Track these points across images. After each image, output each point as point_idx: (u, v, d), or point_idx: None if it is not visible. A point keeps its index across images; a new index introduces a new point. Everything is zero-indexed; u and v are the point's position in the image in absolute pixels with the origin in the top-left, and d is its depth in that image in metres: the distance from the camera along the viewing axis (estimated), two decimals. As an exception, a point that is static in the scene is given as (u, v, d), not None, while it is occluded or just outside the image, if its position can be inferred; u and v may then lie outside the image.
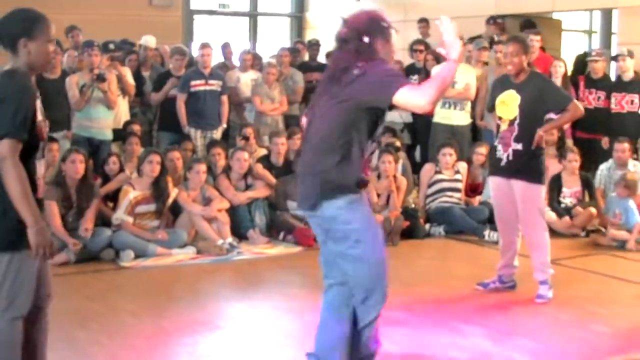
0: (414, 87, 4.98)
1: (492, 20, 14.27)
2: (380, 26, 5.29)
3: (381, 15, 5.42)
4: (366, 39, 5.16)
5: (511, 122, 7.70)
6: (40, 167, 4.61)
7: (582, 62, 13.87)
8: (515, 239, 7.98)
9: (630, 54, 11.90)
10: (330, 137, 5.02)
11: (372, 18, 5.34)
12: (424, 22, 15.05)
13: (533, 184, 7.73)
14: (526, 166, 7.69)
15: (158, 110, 12.72)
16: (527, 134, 7.64)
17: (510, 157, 7.71)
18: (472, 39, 13.35)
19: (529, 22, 14.35)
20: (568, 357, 6.40)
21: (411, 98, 4.86)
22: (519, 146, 7.65)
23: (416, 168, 12.37)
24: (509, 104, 7.74)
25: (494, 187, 8.04)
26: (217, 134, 12.11)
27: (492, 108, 8.15)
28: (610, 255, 9.94)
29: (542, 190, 7.95)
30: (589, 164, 11.67)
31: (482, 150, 11.73)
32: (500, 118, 7.85)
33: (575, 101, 8.07)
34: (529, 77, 7.78)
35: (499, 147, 7.82)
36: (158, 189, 9.60)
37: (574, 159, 11.14)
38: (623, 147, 11.13)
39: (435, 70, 11.96)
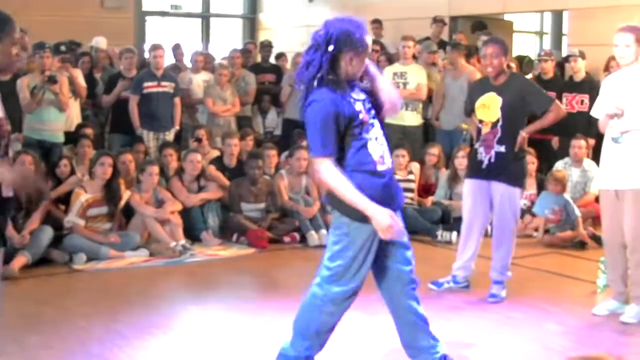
0: (329, 169, 4.97)
1: (436, 20, 14.31)
2: (353, 40, 5.09)
3: (362, 29, 5.18)
4: (331, 48, 5.03)
5: (493, 125, 7.67)
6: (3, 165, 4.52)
7: (522, 64, 14.02)
8: (478, 243, 8.02)
9: (582, 55, 12.01)
10: None
11: (348, 30, 5.13)
12: (377, 23, 15.09)
13: (514, 187, 7.75)
14: (508, 169, 7.68)
15: (110, 112, 12.66)
16: (509, 136, 7.64)
17: (493, 160, 7.68)
18: (420, 41, 13.41)
19: (480, 24, 14.45)
20: (521, 356, 6.44)
21: (321, 171, 4.99)
22: (502, 148, 7.64)
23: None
24: (490, 107, 7.71)
25: (472, 189, 7.94)
26: (170, 135, 12.07)
27: (470, 112, 8.07)
28: (562, 254, 10.02)
29: (520, 193, 7.98)
30: (541, 164, 11.76)
31: (434, 150, 11.80)
32: (481, 121, 7.80)
33: (557, 102, 8.13)
34: (510, 78, 7.78)
35: (481, 150, 7.77)
36: (110, 192, 9.55)
37: (531, 161, 11.22)
38: (580, 143, 11.23)
39: (388, 74, 12.04)
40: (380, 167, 5.15)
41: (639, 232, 7.13)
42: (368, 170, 5.09)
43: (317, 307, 5.39)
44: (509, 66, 8.09)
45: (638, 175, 7.05)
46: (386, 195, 5.13)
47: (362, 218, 5.01)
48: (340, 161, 5.05)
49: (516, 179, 7.76)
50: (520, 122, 7.76)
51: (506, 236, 7.87)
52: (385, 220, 4.95)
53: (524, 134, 7.72)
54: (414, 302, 5.56)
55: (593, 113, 7.60)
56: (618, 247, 7.33)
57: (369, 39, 5.18)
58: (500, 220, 7.83)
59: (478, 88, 8.03)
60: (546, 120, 8.00)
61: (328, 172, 4.98)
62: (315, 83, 5.07)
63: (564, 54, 13.49)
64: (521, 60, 14.20)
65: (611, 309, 7.40)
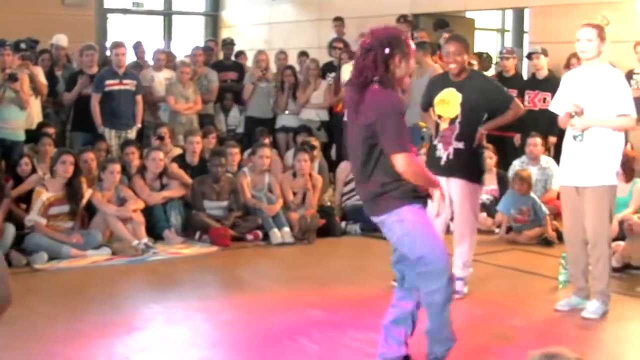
0: (408, 157, 5.30)
1: (403, 19, 14.35)
2: (401, 42, 5.43)
3: (406, 34, 5.64)
4: (387, 50, 5.33)
5: (452, 121, 7.67)
6: None
7: (485, 60, 14.10)
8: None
9: (544, 52, 12.07)
10: None
11: (396, 34, 5.49)
12: (339, 21, 15.11)
13: (473, 183, 7.76)
14: (467, 165, 7.69)
15: (71, 110, 12.58)
16: (468, 133, 7.65)
17: (451, 156, 7.67)
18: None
19: (442, 21, 14.50)
20: (484, 352, 6.47)
21: (399, 165, 5.28)
22: (461, 145, 7.64)
23: (332, 166, 12.41)
24: (449, 102, 7.71)
25: None
26: (132, 133, 12.01)
27: (427, 107, 8.08)
28: (525, 250, 10.08)
29: (480, 190, 8.02)
30: (502, 160, 11.82)
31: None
32: (440, 117, 7.80)
33: (517, 100, 8.15)
34: (470, 75, 7.80)
35: (439, 146, 7.76)
36: (72, 190, 9.50)
37: (488, 156, 11.27)
38: (535, 141, 11.32)
39: (346, 71, 12.05)
40: None
41: (599, 228, 7.18)
42: None
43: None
44: (470, 63, 8.09)
45: (598, 172, 7.11)
46: None
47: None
48: None
49: (475, 176, 7.78)
50: (479, 119, 7.79)
51: (467, 233, 7.89)
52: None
53: (482, 131, 7.76)
54: None
55: (552, 108, 7.65)
56: (579, 243, 7.39)
57: (412, 43, 5.56)
58: (460, 216, 7.84)
59: (438, 83, 8.01)
60: (505, 118, 8.04)
61: (413, 163, 5.33)
62: (376, 84, 5.36)
63: (526, 51, 13.54)
64: (479, 56, 14.27)
65: (573, 304, 7.45)
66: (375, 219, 5.62)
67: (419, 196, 5.48)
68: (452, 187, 7.73)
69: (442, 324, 5.75)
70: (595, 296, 7.29)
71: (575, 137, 7.19)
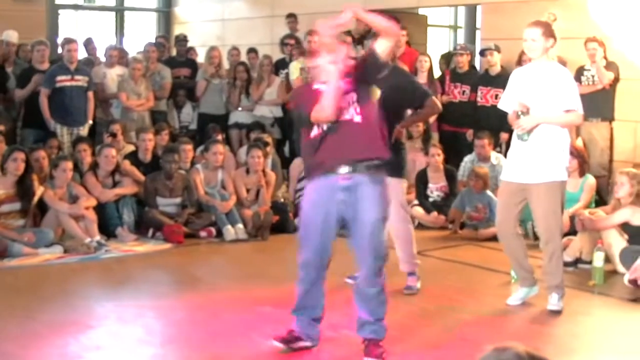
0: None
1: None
2: None
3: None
4: None
5: None
6: None
7: (448, 60, 14.18)
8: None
9: (497, 49, 12.13)
10: None
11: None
12: (292, 17, 15.10)
13: (394, 178, 7.78)
14: (390, 163, 7.71)
15: (22, 107, 12.47)
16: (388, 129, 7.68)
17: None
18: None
19: (394, 19, 14.51)
20: (436, 346, 6.50)
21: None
22: None
23: (286, 163, 12.41)
24: None
25: None
26: (84, 130, 11.94)
27: None
28: (477, 246, 10.15)
29: (403, 184, 8.04)
30: (455, 156, 11.88)
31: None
32: None
33: (434, 98, 8.18)
34: (389, 71, 7.81)
35: None
36: (23, 188, 9.43)
37: (436, 153, 11.35)
38: (483, 142, 11.39)
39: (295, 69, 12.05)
40: None
41: (552, 224, 7.25)
42: None
43: None
44: (392, 59, 8.10)
45: (548, 169, 7.17)
46: None
47: None
48: None
49: (395, 170, 7.74)
50: (397, 115, 7.81)
51: (401, 226, 7.90)
52: None
53: (399, 128, 7.81)
54: None
55: (500, 106, 7.72)
56: (512, 236, 7.50)
57: None
58: (392, 213, 7.84)
59: None
60: (421, 115, 8.18)
61: None
62: None
63: (478, 48, 13.61)
64: (446, 56, 14.34)
65: (522, 297, 7.52)
66: None
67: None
68: None
69: None
70: (553, 290, 7.35)
71: (519, 137, 7.26)
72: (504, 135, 11.84)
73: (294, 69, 12.36)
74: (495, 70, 12.18)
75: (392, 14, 14.60)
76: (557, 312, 7.28)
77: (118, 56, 13.72)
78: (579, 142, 11.17)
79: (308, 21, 14.95)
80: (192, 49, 15.62)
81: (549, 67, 7.28)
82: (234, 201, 10.62)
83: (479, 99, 12.19)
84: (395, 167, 7.81)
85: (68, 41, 12.25)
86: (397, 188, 7.85)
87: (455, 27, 19.92)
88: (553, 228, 7.28)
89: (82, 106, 12.00)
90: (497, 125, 11.72)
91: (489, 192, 10.77)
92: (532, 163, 7.20)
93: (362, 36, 13.21)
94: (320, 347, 6.31)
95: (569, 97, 7.19)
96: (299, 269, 6.18)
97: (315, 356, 6.18)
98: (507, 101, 7.53)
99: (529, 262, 7.58)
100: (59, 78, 11.79)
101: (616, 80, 11.21)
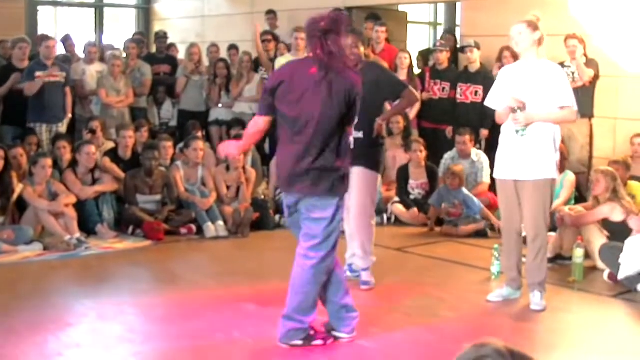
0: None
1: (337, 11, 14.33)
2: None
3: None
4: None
5: None
6: None
7: (426, 57, 14.20)
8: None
9: (477, 46, 12.15)
10: None
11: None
12: (271, 14, 15.08)
13: (370, 171, 7.81)
14: (366, 154, 7.72)
15: (1, 104, 12.41)
16: (366, 123, 7.67)
17: (352, 146, 7.69)
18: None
19: (373, 15, 14.52)
20: (416, 343, 6.51)
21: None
22: (360, 134, 7.65)
23: (266, 160, 12.40)
24: None
25: None
26: (62, 127, 11.90)
27: None
28: (456, 242, 10.17)
29: (378, 179, 8.06)
30: (435, 153, 11.89)
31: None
32: None
33: (411, 88, 8.19)
34: (366, 66, 7.80)
35: None
36: (2, 185, 9.38)
37: (418, 149, 11.35)
38: (464, 139, 11.39)
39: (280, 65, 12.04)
40: None
41: (540, 221, 7.28)
42: None
43: None
44: (366, 55, 8.11)
45: (539, 166, 7.19)
46: None
47: None
48: None
49: (374, 164, 7.86)
50: (376, 109, 7.86)
51: (364, 220, 7.91)
52: None
53: (379, 121, 7.83)
54: None
55: (488, 103, 7.73)
56: (514, 235, 7.49)
57: None
58: (357, 203, 7.85)
59: None
60: (400, 107, 8.21)
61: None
62: None
63: (458, 44, 13.60)
64: (425, 53, 14.37)
65: (505, 295, 7.54)
66: None
67: None
68: (353, 175, 7.69)
69: None
70: (536, 287, 7.35)
71: (517, 132, 7.22)
72: (484, 132, 11.87)
73: (279, 65, 12.34)
74: (475, 67, 12.20)
75: (372, 11, 14.72)
76: (539, 312, 7.29)
77: (97, 53, 13.67)
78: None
79: (288, 18, 14.96)
80: (173, 45, 15.59)
81: (541, 65, 7.29)
82: (214, 198, 10.60)
83: (458, 95, 12.21)
84: (374, 161, 7.83)
85: (45, 38, 12.20)
86: (372, 181, 7.87)
87: (435, 24, 19.92)
88: (541, 225, 7.30)
89: (60, 102, 11.94)
90: (477, 122, 11.76)
91: (464, 190, 10.80)
92: (524, 160, 7.22)
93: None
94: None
95: (563, 93, 7.20)
96: None
97: (298, 352, 6.17)
98: (495, 98, 7.53)
99: (522, 265, 7.57)
100: (37, 74, 11.73)
101: (596, 77, 11.24)
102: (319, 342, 6.28)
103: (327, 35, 5.91)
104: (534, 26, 7.24)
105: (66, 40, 14.52)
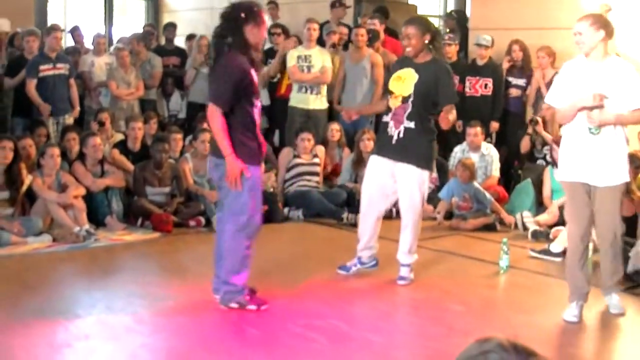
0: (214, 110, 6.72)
1: (338, 3, 14.28)
2: (255, 12, 6.65)
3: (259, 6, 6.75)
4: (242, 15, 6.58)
5: (405, 99, 7.60)
6: None
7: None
8: (376, 221, 7.96)
9: (492, 43, 12.10)
10: None
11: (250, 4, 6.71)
12: (272, 4, 15.07)
13: (422, 170, 7.69)
14: (417, 147, 7.61)
15: (11, 96, 12.43)
16: (419, 115, 7.59)
17: (402, 135, 7.62)
18: (323, 24, 13.43)
19: (381, 8, 14.51)
20: (424, 336, 6.52)
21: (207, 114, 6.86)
22: (412, 124, 7.58)
23: (274, 152, 12.40)
24: (404, 80, 7.64)
25: (375, 165, 7.86)
26: (70, 119, 11.92)
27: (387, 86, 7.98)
28: (465, 236, 10.17)
29: (430, 177, 7.97)
30: (443, 147, 11.85)
31: (336, 126, 11.91)
32: (391, 93, 7.71)
33: (452, 106, 7.76)
34: (431, 61, 7.70)
35: (391, 124, 7.71)
36: (11, 176, 9.40)
37: (429, 144, 11.33)
38: (475, 131, 11.36)
39: (292, 57, 12.06)
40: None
41: (617, 226, 6.99)
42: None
43: None
44: (432, 45, 7.91)
45: (615, 171, 6.85)
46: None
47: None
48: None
49: (425, 162, 7.72)
50: (429, 105, 7.67)
51: (414, 219, 7.85)
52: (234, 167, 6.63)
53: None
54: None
55: (548, 101, 7.22)
56: (581, 244, 7.08)
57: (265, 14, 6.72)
58: (408, 202, 7.77)
59: (398, 65, 7.97)
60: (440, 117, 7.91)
61: (214, 117, 6.70)
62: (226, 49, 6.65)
63: (470, 37, 13.56)
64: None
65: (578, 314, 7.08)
66: None
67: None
68: (399, 172, 7.70)
69: None
70: (613, 289, 7.15)
71: (591, 130, 6.79)
72: (494, 125, 11.87)
73: (291, 57, 12.34)
74: (483, 60, 12.17)
75: (382, 4, 14.70)
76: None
77: (105, 44, 13.70)
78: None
79: (290, 10, 14.96)
80: (193, 36, 15.33)
81: (610, 62, 6.82)
82: (223, 190, 10.60)
83: (467, 89, 12.19)
84: (426, 158, 7.72)
85: (52, 29, 12.22)
86: (424, 181, 7.79)
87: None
88: (618, 228, 7.00)
89: (65, 94, 11.99)
90: (487, 115, 11.75)
91: (475, 183, 10.78)
92: (598, 164, 6.82)
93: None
94: (309, 336, 6.31)
95: (636, 95, 6.73)
96: None
97: (305, 345, 6.18)
98: (558, 96, 7.00)
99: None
100: (41, 67, 11.75)
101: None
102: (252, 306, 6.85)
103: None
104: (598, 23, 6.76)
105: (74, 32, 14.53)
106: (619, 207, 7.01)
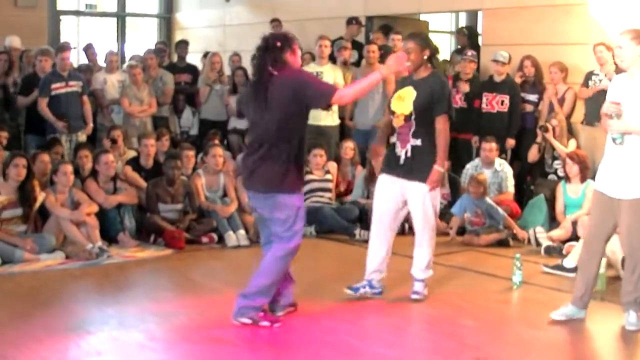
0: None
1: (355, 20, 14.34)
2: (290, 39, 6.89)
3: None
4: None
5: (407, 118, 7.58)
6: None
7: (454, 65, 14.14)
8: (387, 242, 7.87)
9: (509, 60, 12.08)
10: None
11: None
12: (276, 22, 15.19)
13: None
14: (425, 165, 7.55)
15: (24, 114, 12.47)
16: (424, 131, 7.55)
17: (409, 154, 7.59)
18: (334, 41, 13.46)
19: (386, 26, 14.53)
20: (437, 352, 6.50)
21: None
22: (418, 142, 7.56)
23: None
24: (404, 99, 7.63)
25: (384, 184, 7.82)
26: (82, 136, 11.94)
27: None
28: (478, 251, 10.14)
29: (440, 192, 7.91)
30: (455, 162, 11.86)
31: (349, 144, 11.92)
32: (393, 113, 7.71)
33: (445, 118, 7.66)
34: (429, 75, 7.70)
35: (397, 144, 7.71)
36: (24, 193, 9.43)
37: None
38: (490, 146, 11.31)
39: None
40: None
41: (636, 241, 6.94)
42: None
43: None
44: (431, 61, 7.90)
45: (634, 184, 6.83)
46: None
47: None
48: None
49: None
50: (430, 120, 7.60)
51: (430, 234, 7.80)
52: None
53: None
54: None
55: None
56: (597, 252, 7.20)
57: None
58: (421, 219, 7.71)
59: (399, 83, 7.98)
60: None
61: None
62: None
63: (481, 53, 13.54)
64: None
65: (569, 314, 7.25)
66: None
67: None
68: (410, 190, 7.67)
69: None
70: (631, 307, 7.08)
71: (614, 140, 6.84)
72: (510, 141, 11.84)
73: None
74: (500, 76, 12.14)
75: (385, 23, 14.72)
76: (549, 320, 7.20)
77: (118, 62, 13.75)
78: (572, 145, 11.15)
79: (309, 26, 14.98)
80: (208, 53, 15.44)
81: None
82: (235, 206, 10.60)
83: (484, 105, 12.15)
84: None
85: (61, 49, 12.24)
86: (435, 196, 7.73)
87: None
88: (636, 245, 6.94)
89: (78, 111, 12.02)
90: (502, 132, 11.73)
91: (487, 199, 10.75)
92: (621, 176, 6.85)
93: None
94: (321, 352, 6.31)
95: None
96: None
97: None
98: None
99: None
100: (54, 85, 11.78)
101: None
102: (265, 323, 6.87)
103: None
104: (639, 38, 6.80)
105: (88, 49, 14.58)
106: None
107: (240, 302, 6.87)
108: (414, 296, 7.80)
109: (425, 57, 7.70)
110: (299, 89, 6.61)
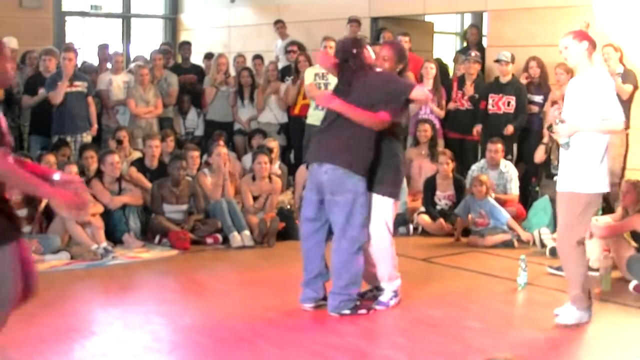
0: None
1: (356, 22, 14.31)
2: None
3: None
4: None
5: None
6: None
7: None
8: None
9: (513, 59, 12.07)
10: None
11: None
12: (279, 23, 15.20)
13: (383, 197, 7.45)
14: (380, 176, 7.40)
15: (29, 114, 12.45)
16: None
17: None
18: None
19: (382, 29, 14.51)
20: (442, 353, 6.49)
21: None
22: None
23: (291, 170, 12.41)
24: None
25: None
26: (87, 137, 11.94)
27: None
28: (482, 252, 10.12)
29: (394, 204, 7.55)
30: (460, 163, 11.85)
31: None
32: None
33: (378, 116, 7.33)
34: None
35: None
36: (29, 194, 9.42)
37: (445, 161, 11.29)
38: (496, 147, 11.28)
39: (309, 74, 12.08)
40: None
41: (560, 234, 7.21)
42: None
43: None
44: (404, 70, 7.79)
45: (573, 179, 7.05)
46: None
47: None
48: None
49: (386, 190, 7.46)
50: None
51: (384, 246, 7.53)
52: None
53: None
54: None
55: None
56: (571, 249, 7.19)
57: None
58: (376, 230, 7.50)
59: None
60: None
61: None
62: None
63: (486, 54, 13.52)
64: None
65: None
66: None
67: None
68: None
69: None
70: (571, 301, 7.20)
71: (562, 146, 7.13)
72: (509, 128, 11.79)
73: (308, 75, 12.34)
74: (506, 77, 12.11)
75: (398, 21, 14.71)
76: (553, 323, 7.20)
77: (123, 63, 13.74)
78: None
79: (314, 28, 14.98)
80: (211, 55, 15.40)
81: (590, 75, 7.09)
82: (240, 207, 10.62)
83: (490, 106, 12.12)
84: (385, 186, 7.47)
85: (65, 49, 12.24)
86: (385, 207, 7.50)
87: (461, 34, 19.90)
88: (560, 237, 7.17)
89: (83, 112, 12.00)
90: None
91: (491, 200, 10.74)
92: (563, 171, 7.18)
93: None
94: (327, 354, 6.30)
95: (604, 105, 6.93)
96: None
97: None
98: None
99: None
100: (58, 84, 11.76)
101: (635, 88, 11.12)
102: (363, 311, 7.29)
103: None
104: (580, 36, 7.14)
105: (102, 49, 14.53)
106: (571, 220, 7.07)
107: (338, 297, 7.22)
108: (378, 306, 7.60)
109: (398, 70, 7.56)
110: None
